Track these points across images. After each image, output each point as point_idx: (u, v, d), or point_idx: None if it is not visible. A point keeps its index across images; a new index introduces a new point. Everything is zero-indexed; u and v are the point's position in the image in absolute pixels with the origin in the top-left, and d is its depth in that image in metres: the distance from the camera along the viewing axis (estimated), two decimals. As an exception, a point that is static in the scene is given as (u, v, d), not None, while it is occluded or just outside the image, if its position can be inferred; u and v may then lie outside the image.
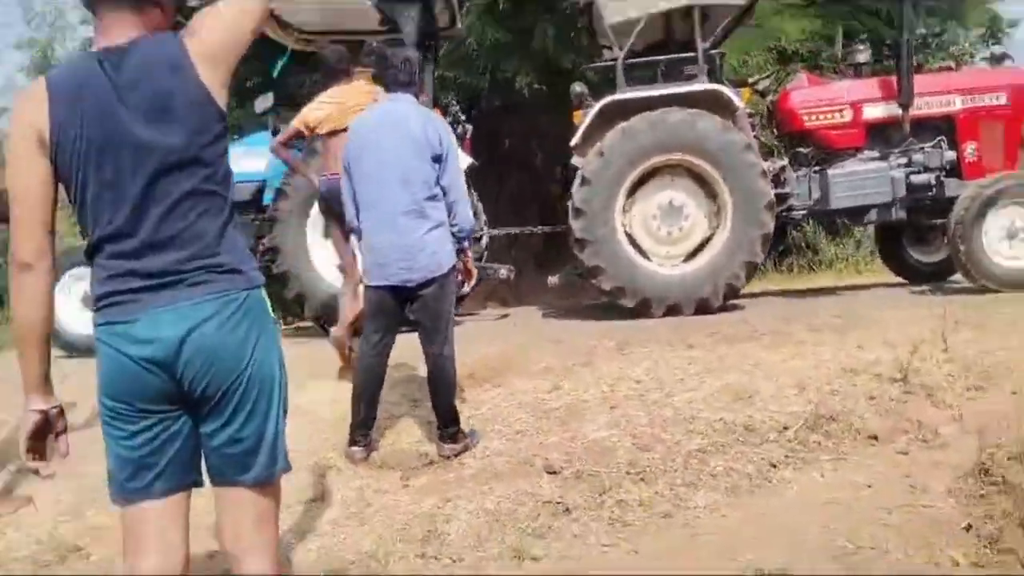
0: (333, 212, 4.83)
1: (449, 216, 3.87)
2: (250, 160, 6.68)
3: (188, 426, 1.90)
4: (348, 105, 4.91)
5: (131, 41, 1.81)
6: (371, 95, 4.93)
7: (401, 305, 3.93)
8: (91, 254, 1.87)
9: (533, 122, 9.14)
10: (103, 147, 1.79)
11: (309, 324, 7.67)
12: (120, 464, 1.88)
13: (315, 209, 6.18)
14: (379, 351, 3.99)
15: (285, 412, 1.99)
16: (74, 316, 6.33)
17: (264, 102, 7.04)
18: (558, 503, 3.61)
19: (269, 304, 1.97)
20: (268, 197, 6.82)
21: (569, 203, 6.19)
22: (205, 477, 1.98)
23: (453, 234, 3.91)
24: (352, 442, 4.01)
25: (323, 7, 6.65)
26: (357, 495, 3.81)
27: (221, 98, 1.85)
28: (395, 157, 3.78)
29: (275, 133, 5.93)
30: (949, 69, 7.33)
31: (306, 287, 6.62)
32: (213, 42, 1.84)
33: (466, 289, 3.86)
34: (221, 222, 1.87)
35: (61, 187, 1.86)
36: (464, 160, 5.80)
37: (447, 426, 4.02)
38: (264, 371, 1.90)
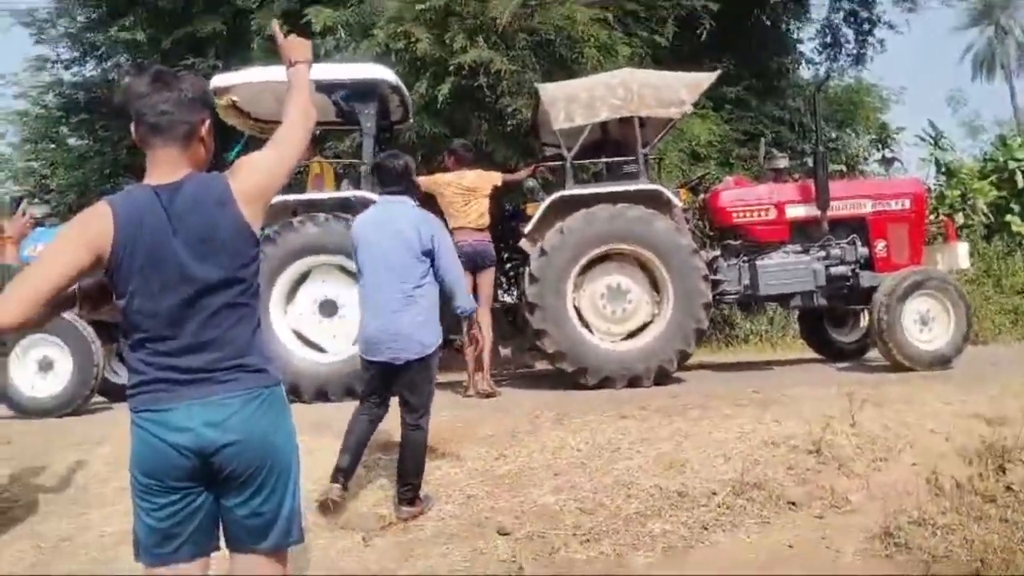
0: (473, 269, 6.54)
1: (451, 299, 4.29)
2: None
3: (209, 500, 2.18)
4: (477, 185, 6.76)
5: (184, 177, 2.14)
6: (492, 180, 6.89)
7: (391, 379, 4.30)
8: (132, 349, 2.14)
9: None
10: (154, 266, 2.08)
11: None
12: (148, 532, 2.15)
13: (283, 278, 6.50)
14: (371, 415, 4.37)
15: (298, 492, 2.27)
16: (28, 381, 6.44)
17: None
18: (512, 562, 3.91)
19: (286, 397, 2.29)
20: None
21: (526, 271, 6.67)
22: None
23: (456, 314, 4.33)
24: (334, 479, 4.24)
25: (279, 97, 7.02)
26: (322, 555, 4.04)
27: (257, 228, 2.20)
28: (386, 253, 4.22)
29: None
30: (843, 173, 8.07)
31: None
32: (253, 184, 2.19)
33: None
34: (252, 328, 2.20)
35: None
36: None
37: (407, 490, 4.30)
38: (283, 457, 2.21)
